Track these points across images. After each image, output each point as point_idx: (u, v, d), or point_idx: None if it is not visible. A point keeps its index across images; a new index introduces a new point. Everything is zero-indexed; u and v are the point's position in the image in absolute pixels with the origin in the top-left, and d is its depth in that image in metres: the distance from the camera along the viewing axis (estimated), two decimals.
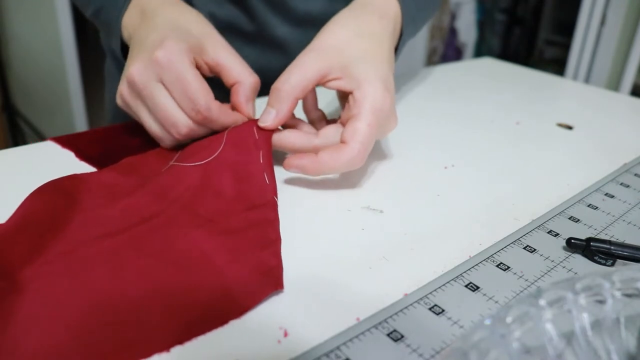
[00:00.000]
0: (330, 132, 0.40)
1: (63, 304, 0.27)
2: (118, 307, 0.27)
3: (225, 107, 0.41)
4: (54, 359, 0.24)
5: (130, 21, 0.44)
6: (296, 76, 0.39)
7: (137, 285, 0.28)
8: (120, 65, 0.63)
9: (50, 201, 0.34)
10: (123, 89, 0.41)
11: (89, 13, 0.49)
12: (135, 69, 0.39)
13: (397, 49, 0.48)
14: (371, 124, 0.38)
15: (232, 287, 0.29)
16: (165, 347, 0.25)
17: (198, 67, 0.41)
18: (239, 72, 0.42)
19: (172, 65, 0.38)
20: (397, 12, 0.46)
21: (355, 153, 0.37)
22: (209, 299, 0.28)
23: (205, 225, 0.33)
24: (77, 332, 0.25)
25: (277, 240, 0.33)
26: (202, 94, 0.39)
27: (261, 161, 0.39)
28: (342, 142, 0.38)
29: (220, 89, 0.43)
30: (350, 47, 0.41)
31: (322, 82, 0.40)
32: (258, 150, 0.39)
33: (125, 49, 0.46)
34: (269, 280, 0.29)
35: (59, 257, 0.30)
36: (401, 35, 0.48)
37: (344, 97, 0.42)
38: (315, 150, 0.39)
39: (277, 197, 0.37)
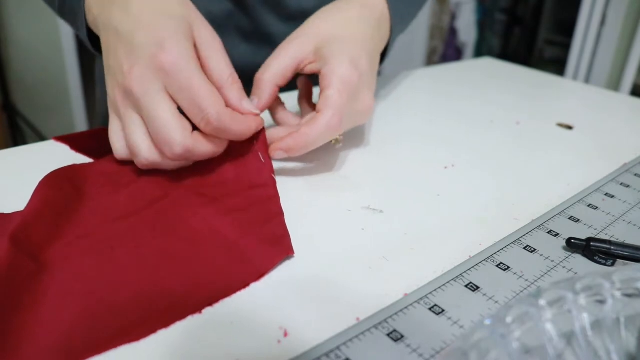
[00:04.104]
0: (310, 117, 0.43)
1: (92, 280, 0.28)
2: (144, 280, 0.28)
3: (236, 114, 0.37)
4: (92, 329, 0.25)
5: (93, 2, 0.39)
6: (274, 65, 0.42)
7: (157, 260, 0.30)
8: None
9: (59, 190, 0.35)
10: (116, 96, 0.36)
11: (56, 8, 0.45)
12: (135, 76, 0.34)
13: (387, 46, 0.49)
14: (340, 90, 0.39)
15: (246, 255, 0.30)
16: (198, 309, 0.27)
17: None
18: (220, 76, 0.38)
19: (180, 71, 0.34)
20: (381, 1, 0.47)
21: (329, 117, 0.38)
22: (226, 267, 0.30)
23: (210, 204, 0.35)
24: (110, 304, 0.26)
25: (279, 213, 0.35)
26: (213, 101, 0.35)
27: (255, 146, 0.40)
28: (317, 112, 0.39)
29: None
30: (327, 34, 0.42)
31: (300, 69, 0.43)
32: (252, 139, 0.41)
33: (94, 38, 0.42)
34: (279, 248, 0.31)
35: (78, 240, 0.31)
36: (391, 32, 0.48)
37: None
38: None
39: (274, 175, 0.39)
